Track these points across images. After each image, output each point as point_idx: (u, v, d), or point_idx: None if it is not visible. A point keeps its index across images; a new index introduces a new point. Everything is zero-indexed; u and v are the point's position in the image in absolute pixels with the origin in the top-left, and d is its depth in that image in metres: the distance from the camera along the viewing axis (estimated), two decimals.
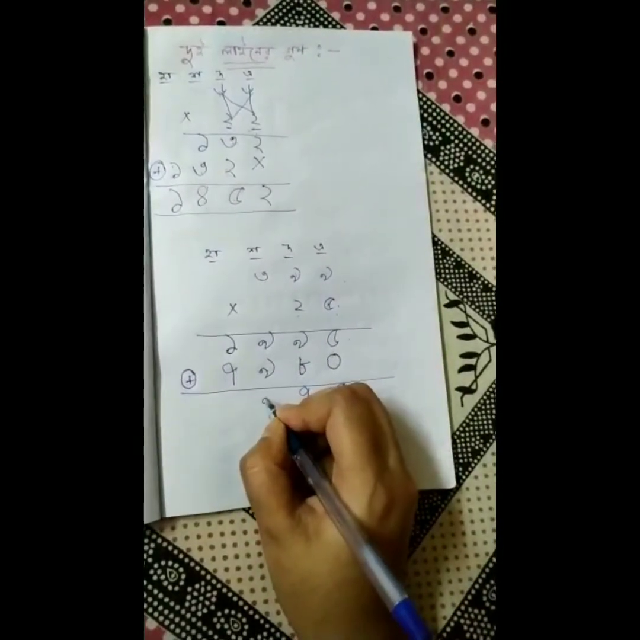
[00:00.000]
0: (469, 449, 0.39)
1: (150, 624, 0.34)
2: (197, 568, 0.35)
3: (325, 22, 0.43)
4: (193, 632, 0.34)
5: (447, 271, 0.41)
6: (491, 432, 0.39)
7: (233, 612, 0.35)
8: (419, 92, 0.43)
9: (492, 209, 0.42)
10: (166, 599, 0.34)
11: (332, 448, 0.31)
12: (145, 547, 0.34)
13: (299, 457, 0.32)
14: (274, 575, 0.32)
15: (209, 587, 0.35)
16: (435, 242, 0.41)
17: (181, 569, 0.34)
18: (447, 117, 0.43)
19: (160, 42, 0.40)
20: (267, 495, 0.30)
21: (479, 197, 0.42)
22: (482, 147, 0.43)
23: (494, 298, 0.41)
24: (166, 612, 0.34)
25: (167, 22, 0.40)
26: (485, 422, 0.39)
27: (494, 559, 0.38)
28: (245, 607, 0.35)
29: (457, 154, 0.43)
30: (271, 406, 0.35)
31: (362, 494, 0.29)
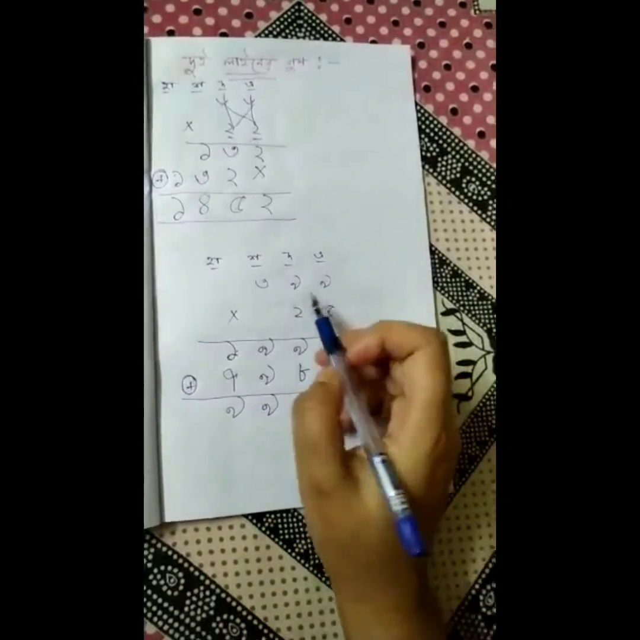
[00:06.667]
0: (466, 455, 0.39)
1: (149, 628, 0.34)
2: (196, 573, 0.35)
3: (326, 35, 0.43)
4: (192, 637, 0.34)
5: (444, 280, 0.42)
6: (487, 438, 0.40)
7: (232, 617, 0.35)
8: (416, 104, 0.43)
9: (488, 219, 0.43)
10: (165, 604, 0.34)
11: (411, 382, 0.30)
12: (145, 552, 0.34)
13: (338, 357, 0.32)
14: (319, 530, 0.30)
15: (208, 592, 0.35)
16: (433, 251, 0.42)
17: (180, 574, 0.35)
18: (444, 129, 0.44)
19: (164, 52, 0.40)
20: (324, 442, 0.29)
21: (475, 208, 0.43)
22: (479, 159, 0.44)
23: (489, 307, 0.42)
24: (165, 617, 0.34)
25: (171, 33, 0.41)
26: (481, 428, 0.40)
27: (491, 564, 0.38)
28: (244, 613, 0.35)
29: (454, 165, 0.43)
30: (315, 303, 0.35)
31: (430, 436, 0.29)
